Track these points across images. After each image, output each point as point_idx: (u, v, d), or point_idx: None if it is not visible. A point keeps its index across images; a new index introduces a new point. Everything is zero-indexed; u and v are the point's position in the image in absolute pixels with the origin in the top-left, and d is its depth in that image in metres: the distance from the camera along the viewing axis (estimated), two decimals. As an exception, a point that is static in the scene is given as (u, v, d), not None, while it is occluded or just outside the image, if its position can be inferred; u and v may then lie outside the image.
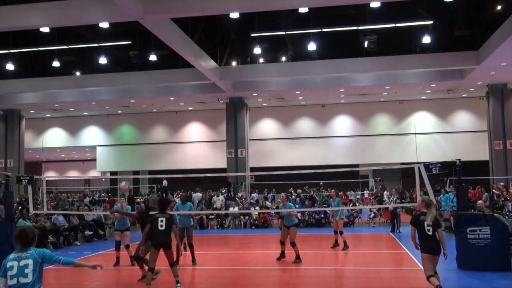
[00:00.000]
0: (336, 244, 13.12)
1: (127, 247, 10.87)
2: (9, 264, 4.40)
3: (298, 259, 10.80)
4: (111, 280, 9.75)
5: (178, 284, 7.97)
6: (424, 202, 7.24)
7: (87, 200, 22.82)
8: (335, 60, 21.44)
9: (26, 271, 4.35)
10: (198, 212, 18.67)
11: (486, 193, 18.58)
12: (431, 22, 18.84)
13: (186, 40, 17.70)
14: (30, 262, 4.40)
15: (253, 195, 23.85)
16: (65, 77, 23.44)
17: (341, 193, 24.19)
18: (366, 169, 29.79)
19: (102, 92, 25.31)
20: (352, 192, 27.43)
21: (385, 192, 21.81)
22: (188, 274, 9.12)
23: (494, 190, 18.61)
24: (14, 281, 4.32)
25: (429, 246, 6.96)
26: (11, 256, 4.47)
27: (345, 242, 12.77)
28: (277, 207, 14.87)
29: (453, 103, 28.43)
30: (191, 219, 11.51)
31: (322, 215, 18.99)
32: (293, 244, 10.80)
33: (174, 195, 24.95)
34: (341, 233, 12.93)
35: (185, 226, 11.00)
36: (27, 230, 4.58)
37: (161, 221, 7.99)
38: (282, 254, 11.11)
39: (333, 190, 12.77)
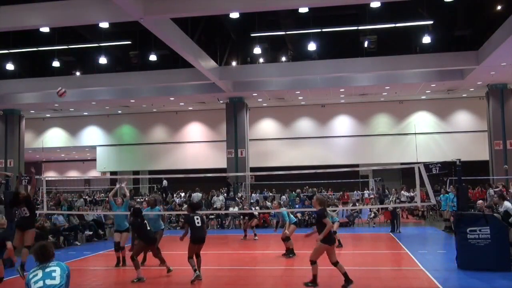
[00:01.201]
0: None
1: (122, 248, 10.85)
2: (32, 274, 4.26)
3: (291, 253, 11.43)
4: (111, 280, 9.76)
5: (196, 272, 8.73)
6: (318, 200, 8.29)
7: (81, 202, 22.39)
8: (335, 60, 21.46)
9: (54, 274, 4.22)
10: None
11: None
12: (431, 22, 18.85)
13: (186, 40, 17.70)
14: (57, 269, 4.28)
15: (253, 195, 23.87)
16: (65, 77, 23.43)
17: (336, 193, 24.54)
18: (366, 169, 29.76)
19: (102, 92, 25.32)
20: (358, 192, 27.58)
21: (402, 191, 22.06)
22: (188, 274, 9.12)
23: (492, 190, 18.64)
24: (40, 283, 4.15)
25: (332, 238, 8.10)
26: (32, 269, 4.34)
27: (339, 241, 13.08)
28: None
29: (453, 103, 28.43)
30: (162, 223, 11.53)
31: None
32: (287, 239, 11.53)
33: (174, 195, 24.97)
34: (335, 232, 13.20)
35: (156, 230, 10.90)
36: (47, 245, 4.47)
37: (197, 219, 8.94)
38: (292, 252, 11.54)
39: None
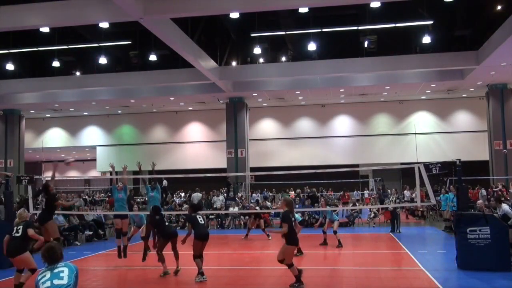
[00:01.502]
0: (325, 242, 13.53)
1: (125, 234, 10.91)
2: (40, 275, 4.30)
3: (299, 252, 11.44)
4: (111, 280, 9.76)
5: (203, 276, 8.85)
6: (285, 201, 8.33)
7: (80, 201, 22.30)
8: (335, 60, 21.44)
9: (62, 275, 4.26)
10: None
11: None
12: (431, 22, 18.84)
13: (186, 40, 17.69)
14: (65, 269, 4.32)
15: (253, 195, 23.86)
16: (65, 77, 23.44)
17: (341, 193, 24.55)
18: (366, 169, 29.77)
19: (102, 92, 25.31)
20: (358, 192, 27.60)
21: (405, 191, 22.09)
22: (188, 274, 9.13)
23: (484, 190, 18.76)
24: (48, 284, 4.19)
25: (297, 239, 8.19)
26: (41, 271, 4.38)
27: (339, 241, 13.16)
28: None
29: (453, 103, 28.42)
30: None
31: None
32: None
33: (174, 195, 24.96)
34: (335, 232, 13.29)
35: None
36: (56, 247, 4.49)
37: (199, 217, 9.35)
38: (299, 251, 11.56)
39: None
